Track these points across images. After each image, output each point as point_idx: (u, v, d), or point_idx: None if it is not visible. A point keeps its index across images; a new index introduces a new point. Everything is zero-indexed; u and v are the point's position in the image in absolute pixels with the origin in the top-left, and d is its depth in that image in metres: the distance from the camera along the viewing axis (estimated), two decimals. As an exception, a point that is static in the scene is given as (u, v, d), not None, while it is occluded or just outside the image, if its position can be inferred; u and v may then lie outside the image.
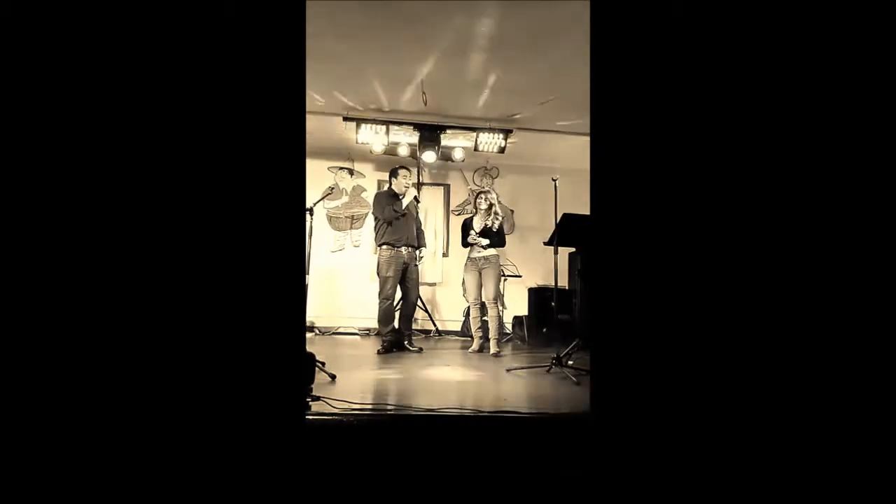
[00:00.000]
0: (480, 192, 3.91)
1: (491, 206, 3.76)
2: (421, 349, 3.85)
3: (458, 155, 5.16)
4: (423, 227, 4.14)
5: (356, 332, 5.33)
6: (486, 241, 3.68)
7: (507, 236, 3.98)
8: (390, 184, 3.91)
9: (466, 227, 3.84)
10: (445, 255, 5.74)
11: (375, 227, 3.85)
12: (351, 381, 2.36)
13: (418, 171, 5.47)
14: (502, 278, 4.48)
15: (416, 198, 3.80)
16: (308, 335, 4.77)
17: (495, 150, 4.89)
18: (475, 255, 3.77)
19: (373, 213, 3.92)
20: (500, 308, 3.73)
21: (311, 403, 1.74)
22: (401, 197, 3.77)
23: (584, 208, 1.54)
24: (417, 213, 4.00)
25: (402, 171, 3.87)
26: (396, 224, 3.70)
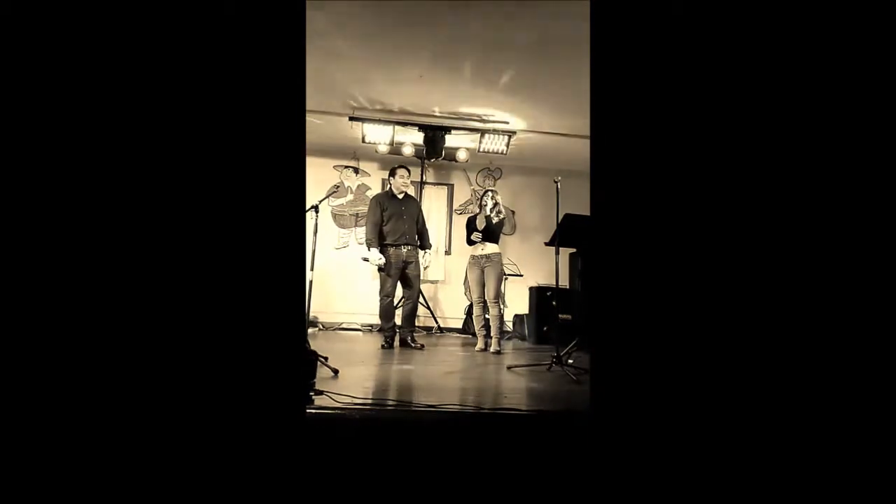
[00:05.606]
0: (487, 191, 3.94)
1: (496, 203, 3.80)
2: (422, 346, 3.87)
3: (461, 155, 5.20)
4: (426, 227, 4.14)
5: (359, 328, 5.37)
6: (480, 236, 3.73)
7: (507, 236, 4.01)
8: (390, 183, 3.98)
9: (470, 224, 3.87)
10: (448, 253, 5.77)
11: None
12: (353, 376, 2.38)
13: (422, 171, 5.51)
14: (504, 278, 4.50)
15: (380, 268, 3.80)
16: (311, 330, 4.80)
17: (499, 150, 4.92)
18: (477, 252, 3.81)
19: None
20: (502, 307, 3.75)
21: (313, 398, 1.77)
22: (398, 195, 3.88)
23: (586, 209, 1.56)
24: (419, 214, 4.03)
25: (399, 171, 3.92)
26: (392, 225, 3.79)
